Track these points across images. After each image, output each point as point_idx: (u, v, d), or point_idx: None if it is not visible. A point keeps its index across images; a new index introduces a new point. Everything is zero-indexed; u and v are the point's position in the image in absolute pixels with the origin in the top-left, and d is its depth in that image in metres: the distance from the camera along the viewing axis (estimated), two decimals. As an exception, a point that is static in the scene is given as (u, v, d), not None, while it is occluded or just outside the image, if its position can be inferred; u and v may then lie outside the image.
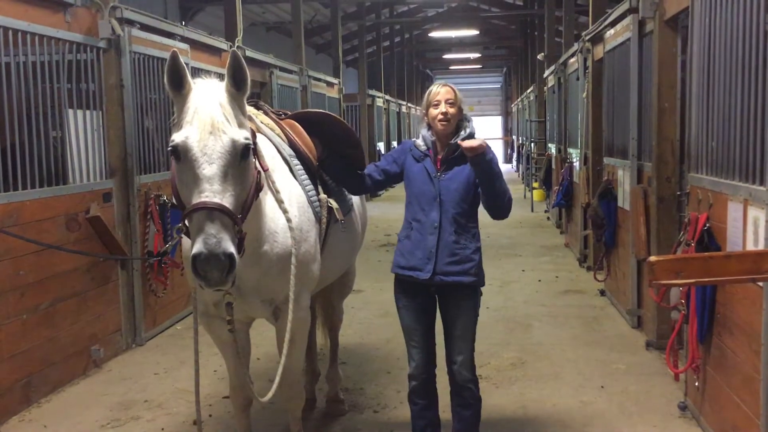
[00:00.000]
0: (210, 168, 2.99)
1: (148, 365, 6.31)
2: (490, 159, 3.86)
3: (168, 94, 3.27)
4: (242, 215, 3.10)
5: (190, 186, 3.04)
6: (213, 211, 2.92)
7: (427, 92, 4.06)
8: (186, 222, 3.09)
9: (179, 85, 3.17)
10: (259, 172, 3.32)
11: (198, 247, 2.88)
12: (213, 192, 2.96)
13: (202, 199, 2.94)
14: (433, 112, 3.98)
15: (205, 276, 2.90)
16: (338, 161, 4.37)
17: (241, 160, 3.12)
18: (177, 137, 3.07)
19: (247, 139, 3.14)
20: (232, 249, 2.92)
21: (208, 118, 3.06)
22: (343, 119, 5.35)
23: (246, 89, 3.26)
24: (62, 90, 6.02)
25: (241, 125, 3.17)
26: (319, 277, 4.13)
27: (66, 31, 5.98)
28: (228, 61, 3.20)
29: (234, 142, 3.07)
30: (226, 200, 2.98)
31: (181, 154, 3.05)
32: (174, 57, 3.13)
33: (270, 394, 3.72)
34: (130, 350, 6.74)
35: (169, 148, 3.12)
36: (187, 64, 7.56)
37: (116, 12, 6.52)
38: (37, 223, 5.49)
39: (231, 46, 9.11)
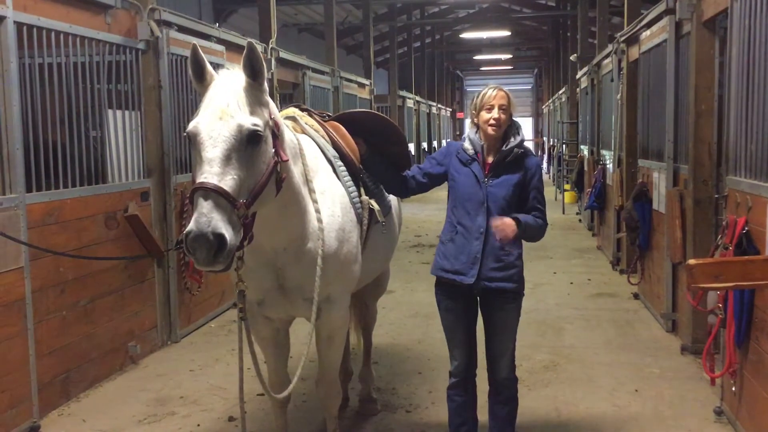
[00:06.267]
0: (213, 151, 3.01)
1: (183, 362, 6.41)
2: (523, 231, 3.90)
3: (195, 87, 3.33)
4: (247, 201, 3.07)
5: (197, 169, 3.09)
6: (209, 191, 2.92)
7: (480, 94, 4.02)
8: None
9: (201, 77, 3.23)
10: (277, 162, 3.28)
11: (190, 225, 2.90)
12: (212, 174, 2.96)
13: (201, 180, 2.97)
14: (485, 116, 3.95)
15: (194, 254, 2.91)
16: (381, 159, 4.37)
17: (248, 146, 3.09)
18: (191, 124, 3.13)
19: (255, 125, 3.11)
20: (222, 230, 2.88)
21: (220, 105, 3.09)
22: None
23: (262, 79, 3.26)
24: (102, 90, 6.13)
25: (254, 113, 3.16)
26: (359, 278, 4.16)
27: (106, 33, 6.09)
28: (244, 53, 3.21)
29: (240, 127, 3.07)
30: (225, 183, 2.97)
31: (192, 139, 3.11)
32: (194, 50, 3.20)
33: (288, 390, 3.87)
34: (165, 347, 6.84)
35: (184, 134, 3.18)
36: (222, 65, 7.71)
37: (154, 14, 6.62)
38: (77, 221, 5.60)
39: (265, 48, 9.19)
